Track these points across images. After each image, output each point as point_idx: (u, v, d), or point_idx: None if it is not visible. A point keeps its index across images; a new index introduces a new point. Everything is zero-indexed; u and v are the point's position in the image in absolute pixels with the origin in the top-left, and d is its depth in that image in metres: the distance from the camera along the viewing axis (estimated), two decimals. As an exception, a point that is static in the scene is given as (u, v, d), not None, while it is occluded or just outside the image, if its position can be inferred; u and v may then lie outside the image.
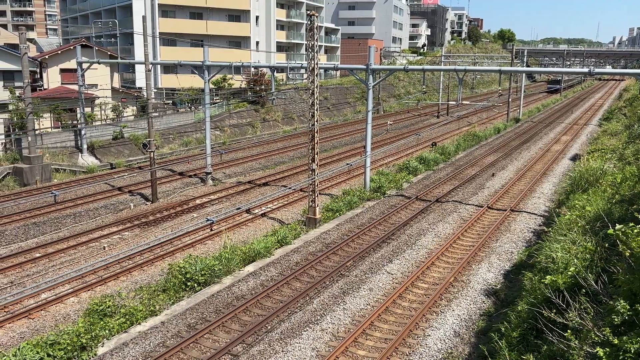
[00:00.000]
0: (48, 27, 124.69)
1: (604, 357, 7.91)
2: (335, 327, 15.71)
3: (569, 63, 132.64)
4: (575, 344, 9.18)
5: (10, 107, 38.07)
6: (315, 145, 24.94)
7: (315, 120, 24.73)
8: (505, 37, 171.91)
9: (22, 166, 32.23)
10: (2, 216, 26.08)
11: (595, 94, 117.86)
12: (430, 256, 21.07)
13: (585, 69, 27.13)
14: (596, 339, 8.61)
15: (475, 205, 28.40)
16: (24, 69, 31.30)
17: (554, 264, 14.54)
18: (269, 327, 15.75)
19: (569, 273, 11.79)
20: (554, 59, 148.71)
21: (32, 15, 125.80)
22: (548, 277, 12.62)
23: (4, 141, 35.22)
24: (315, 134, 24.83)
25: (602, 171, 24.74)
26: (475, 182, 33.82)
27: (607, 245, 12.51)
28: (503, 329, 13.77)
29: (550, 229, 19.87)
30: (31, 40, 78.84)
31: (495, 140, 51.43)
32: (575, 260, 13.18)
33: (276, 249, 21.88)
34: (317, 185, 25.06)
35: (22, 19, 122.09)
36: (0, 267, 20.55)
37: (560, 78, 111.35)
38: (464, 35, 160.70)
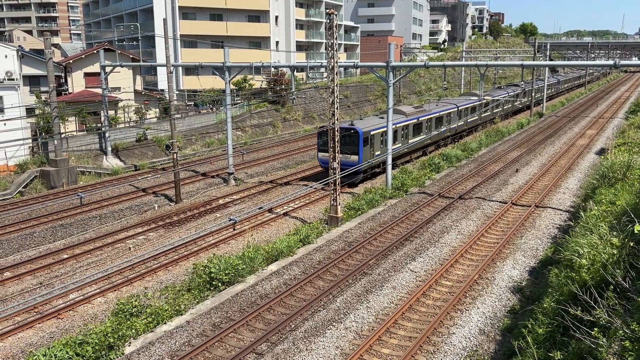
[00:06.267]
0: (72, 32, 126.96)
1: (632, 353, 7.77)
2: (359, 326, 15.70)
3: (593, 56, 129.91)
4: (603, 341, 9.03)
5: (37, 112, 38.82)
6: (337, 143, 24.93)
7: (336, 118, 24.71)
8: (527, 31, 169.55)
9: (48, 169, 32.87)
10: (31, 218, 26.63)
11: (621, 87, 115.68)
12: (453, 254, 20.91)
13: (611, 62, 26.64)
14: (624, 336, 8.45)
15: (499, 202, 28.09)
16: (49, 73, 31.89)
17: (580, 260, 14.31)
18: (293, 325, 15.81)
19: (596, 269, 11.60)
20: (578, 51, 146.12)
21: (56, 20, 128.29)
22: (583, 271, 12.41)
23: (31, 145, 35.95)
24: (336, 132, 24.82)
25: (630, 165, 24.25)
26: (498, 178, 33.45)
27: (635, 240, 12.27)
28: (529, 326, 13.61)
29: (576, 224, 19.55)
30: (56, 46, 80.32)
31: (518, 135, 50.78)
32: (603, 256, 12.95)
33: (299, 248, 21.93)
34: (338, 184, 25.06)
35: (46, 25, 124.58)
36: (30, 269, 21.00)
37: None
38: (485, 30, 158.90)
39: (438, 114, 40.91)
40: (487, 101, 51.44)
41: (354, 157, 30.89)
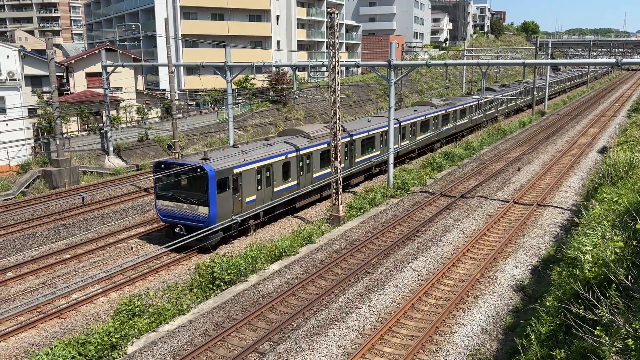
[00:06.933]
0: (73, 32, 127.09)
1: (634, 349, 7.76)
2: (361, 325, 15.70)
3: (595, 54, 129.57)
4: (605, 340, 9.02)
5: (39, 112, 38.86)
6: (338, 142, 24.92)
7: (337, 117, 24.71)
8: (528, 29, 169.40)
9: (51, 169, 32.90)
10: (33, 218, 26.66)
11: (623, 85, 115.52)
12: (455, 252, 20.90)
13: (612, 60, 26.75)
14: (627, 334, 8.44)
15: (501, 201, 28.07)
16: (51, 74, 31.90)
17: (585, 256, 14.28)
18: (295, 325, 15.82)
19: (599, 267, 11.58)
20: (580, 50, 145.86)
21: (58, 21, 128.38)
22: (586, 269, 12.39)
23: (33, 145, 35.99)
24: (338, 131, 24.81)
25: (632, 163, 24.20)
26: (500, 177, 33.42)
27: (637, 239, 12.25)
28: (532, 324, 13.59)
29: (579, 222, 19.53)
30: (57, 46, 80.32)
31: (520, 134, 50.73)
32: (605, 254, 12.93)
33: (301, 247, 21.94)
34: (340, 183, 25.05)
35: (48, 25, 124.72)
36: (32, 269, 21.02)
37: None
38: (486, 29, 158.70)
39: (366, 134, 30.93)
40: (448, 112, 41.05)
41: (203, 210, 21.24)
